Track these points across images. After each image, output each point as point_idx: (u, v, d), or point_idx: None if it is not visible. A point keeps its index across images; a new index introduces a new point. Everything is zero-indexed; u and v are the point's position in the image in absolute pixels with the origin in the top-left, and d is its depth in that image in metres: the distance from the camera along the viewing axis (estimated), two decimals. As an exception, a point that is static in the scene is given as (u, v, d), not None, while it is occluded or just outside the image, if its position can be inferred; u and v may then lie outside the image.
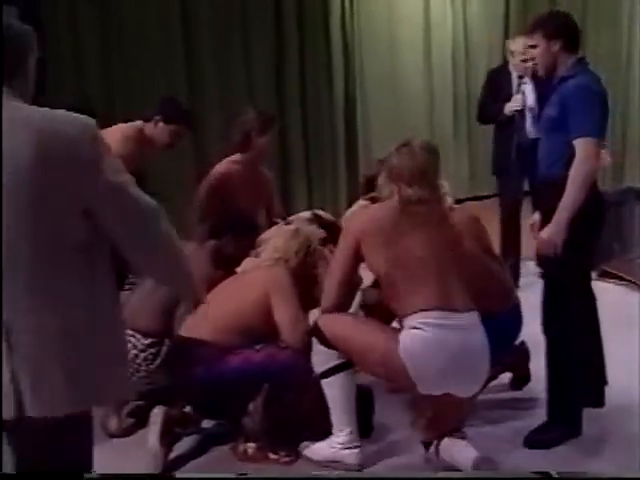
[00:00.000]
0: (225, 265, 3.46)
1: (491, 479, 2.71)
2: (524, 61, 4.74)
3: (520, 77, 4.92)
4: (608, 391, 3.16)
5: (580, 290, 2.99)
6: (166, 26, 5.91)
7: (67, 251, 1.72)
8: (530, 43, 3.07)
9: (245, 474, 2.79)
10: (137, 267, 2.01)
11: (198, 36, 6.11)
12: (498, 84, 5.06)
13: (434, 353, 2.61)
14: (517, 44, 4.92)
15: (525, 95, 4.86)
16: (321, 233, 3.33)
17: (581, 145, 2.83)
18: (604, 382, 3.18)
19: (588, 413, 3.08)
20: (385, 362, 2.69)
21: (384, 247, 2.73)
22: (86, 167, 1.71)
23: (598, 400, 3.19)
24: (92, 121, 1.77)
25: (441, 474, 2.78)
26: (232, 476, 2.81)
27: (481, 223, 3.41)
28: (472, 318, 2.73)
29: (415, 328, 2.63)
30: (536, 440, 3.00)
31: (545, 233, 2.87)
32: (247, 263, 3.42)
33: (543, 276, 3.08)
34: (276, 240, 3.27)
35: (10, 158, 1.64)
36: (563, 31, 2.96)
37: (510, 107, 4.88)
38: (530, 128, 4.86)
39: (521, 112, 4.88)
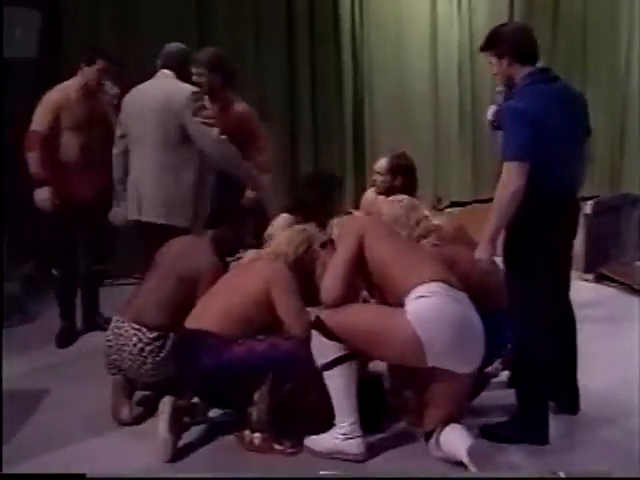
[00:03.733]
0: (227, 253, 3.55)
1: (494, 479, 2.76)
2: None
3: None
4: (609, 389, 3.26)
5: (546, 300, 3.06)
6: (180, 29, 6.01)
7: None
8: (488, 59, 3.13)
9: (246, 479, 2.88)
10: None
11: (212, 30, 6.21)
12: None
13: (441, 317, 2.75)
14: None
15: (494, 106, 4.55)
16: (323, 237, 3.40)
17: (504, 169, 2.92)
18: (576, 390, 3.25)
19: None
20: (395, 337, 2.77)
21: (386, 236, 3.03)
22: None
23: (572, 407, 3.26)
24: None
25: (442, 474, 2.82)
26: (232, 476, 2.86)
27: (466, 230, 3.63)
28: (467, 299, 2.89)
29: (422, 297, 2.78)
30: (491, 431, 3.08)
31: (476, 252, 3.02)
32: (250, 255, 3.51)
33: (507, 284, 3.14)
34: (281, 234, 3.39)
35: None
36: (510, 48, 3.02)
37: (487, 117, 4.61)
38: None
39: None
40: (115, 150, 4.13)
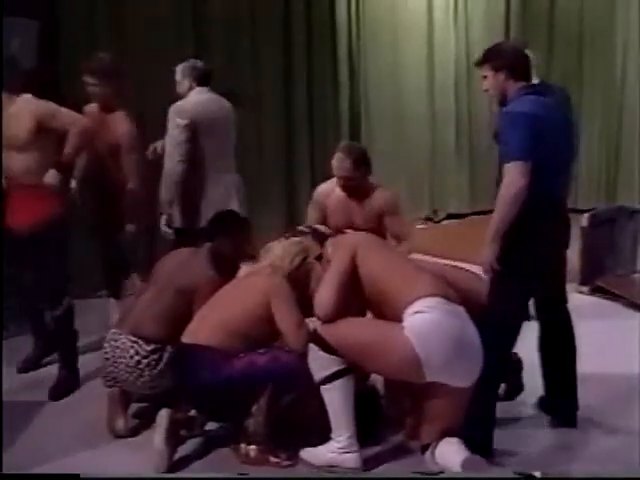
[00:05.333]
0: (225, 265, 3.54)
1: (482, 479, 2.78)
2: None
3: None
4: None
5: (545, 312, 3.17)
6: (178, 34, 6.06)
7: None
8: (482, 74, 3.18)
9: (245, 474, 2.87)
10: None
11: (209, 43, 6.27)
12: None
13: (439, 333, 2.74)
14: None
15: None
16: (319, 249, 3.38)
17: (506, 170, 2.92)
18: (575, 403, 3.26)
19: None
20: (393, 352, 2.77)
21: (379, 249, 3.06)
22: None
23: (569, 420, 3.26)
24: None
25: (442, 475, 2.82)
26: (233, 476, 2.88)
27: None
28: (464, 312, 2.88)
29: (420, 312, 2.78)
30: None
31: (482, 254, 3.00)
32: (246, 269, 3.52)
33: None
34: (277, 247, 3.39)
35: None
36: (508, 63, 3.08)
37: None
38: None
39: None
40: (181, 160, 4.16)
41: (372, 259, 3.00)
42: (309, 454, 3.03)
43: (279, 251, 3.34)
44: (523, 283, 3.00)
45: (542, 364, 3.34)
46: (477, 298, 3.13)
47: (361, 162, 3.99)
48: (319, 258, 3.32)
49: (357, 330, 2.91)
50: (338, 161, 3.96)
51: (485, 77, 3.17)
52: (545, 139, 2.94)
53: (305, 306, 3.15)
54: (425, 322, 2.77)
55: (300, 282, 3.25)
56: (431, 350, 2.73)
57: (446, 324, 2.77)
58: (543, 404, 3.40)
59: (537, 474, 2.46)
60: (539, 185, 2.93)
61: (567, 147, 3.18)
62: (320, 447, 2.98)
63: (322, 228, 3.70)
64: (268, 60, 6.50)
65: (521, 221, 2.93)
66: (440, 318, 2.78)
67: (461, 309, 2.89)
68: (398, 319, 2.83)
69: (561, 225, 3.15)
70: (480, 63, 3.19)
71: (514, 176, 2.89)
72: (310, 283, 3.26)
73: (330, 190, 4.13)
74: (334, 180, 4.12)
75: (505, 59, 3.10)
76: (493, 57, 3.14)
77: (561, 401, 3.30)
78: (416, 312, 2.79)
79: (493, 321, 2.97)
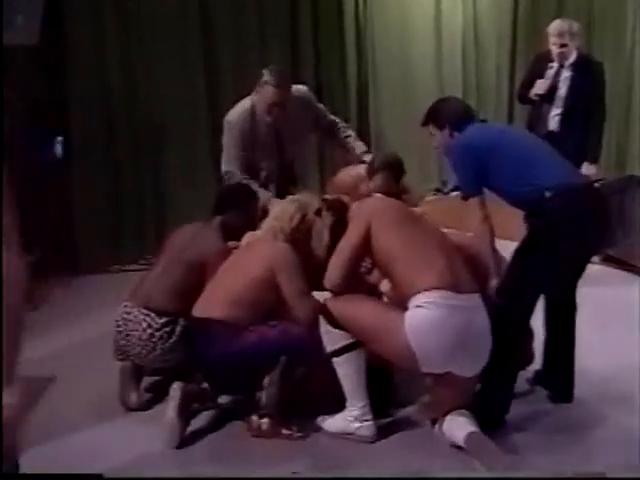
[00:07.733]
0: (235, 238, 3.53)
1: (501, 479, 2.72)
2: (556, 45, 4.71)
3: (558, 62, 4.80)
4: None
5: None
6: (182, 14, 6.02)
7: None
8: (429, 132, 3.34)
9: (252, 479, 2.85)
10: None
11: (216, 26, 6.21)
12: (538, 66, 4.92)
13: (438, 332, 2.69)
14: (552, 27, 4.80)
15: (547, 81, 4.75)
16: (316, 204, 3.31)
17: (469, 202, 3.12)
18: (571, 378, 3.26)
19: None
20: (390, 341, 2.77)
21: (396, 225, 2.93)
22: None
23: (565, 395, 3.27)
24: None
25: (443, 474, 2.80)
26: (235, 476, 2.84)
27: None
28: (475, 300, 2.82)
29: (420, 307, 2.72)
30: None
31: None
32: (249, 237, 3.47)
33: None
34: (274, 209, 3.38)
35: None
36: (449, 120, 3.26)
37: (533, 91, 4.78)
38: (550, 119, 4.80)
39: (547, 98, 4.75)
40: None
41: (386, 236, 2.90)
42: (325, 422, 3.05)
43: (278, 213, 3.30)
44: (549, 260, 2.95)
45: (546, 337, 3.32)
46: (484, 262, 3.10)
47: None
48: (318, 213, 3.26)
49: (359, 311, 2.88)
50: (383, 180, 4.05)
51: (432, 134, 3.31)
52: (497, 150, 3.05)
53: (310, 269, 3.12)
54: (423, 320, 2.71)
55: (302, 242, 3.21)
56: (427, 349, 2.71)
57: (446, 322, 2.70)
58: (539, 378, 3.38)
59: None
60: (530, 180, 2.97)
61: (533, 139, 3.42)
62: (336, 415, 3.01)
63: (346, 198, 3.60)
64: (273, 36, 6.44)
65: (545, 208, 2.92)
66: (440, 316, 2.70)
67: (472, 299, 2.80)
68: (403, 303, 2.80)
69: (592, 208, 3.06)
70: (424, 124, 3.34)
71: (475, 210, 3.05)
72: (311, 240, 3.23)
73: (353, 180, 4.17)
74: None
75: (447, 116, 3.26)
76: (435, 117, 3.29)
77: (558, 376, 3.29)
78: (417, 306, 2.73)
79: (514, 292, 2.97)
